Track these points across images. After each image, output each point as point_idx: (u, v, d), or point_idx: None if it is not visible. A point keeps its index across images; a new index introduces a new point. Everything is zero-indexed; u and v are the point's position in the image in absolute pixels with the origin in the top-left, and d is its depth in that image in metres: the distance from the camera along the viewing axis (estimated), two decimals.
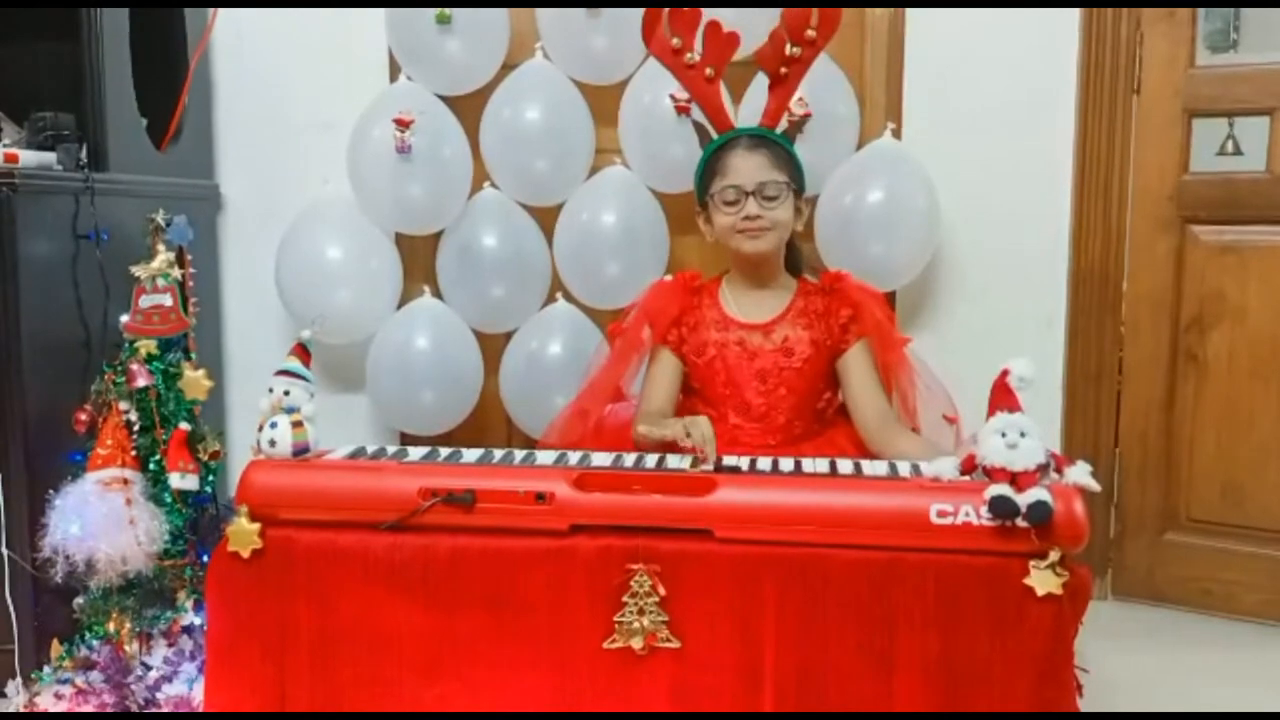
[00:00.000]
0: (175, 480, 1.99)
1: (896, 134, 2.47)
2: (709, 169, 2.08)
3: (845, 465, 1.73)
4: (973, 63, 2.48)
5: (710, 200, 2.06)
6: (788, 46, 2.06)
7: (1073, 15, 2.44)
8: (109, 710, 1.92)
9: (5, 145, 2.15)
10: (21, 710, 1.97)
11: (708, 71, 2.09)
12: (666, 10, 2.08)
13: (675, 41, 2.08)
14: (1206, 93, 2.41)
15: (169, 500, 2.00)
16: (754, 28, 2.14)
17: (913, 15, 2.52)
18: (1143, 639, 2.33)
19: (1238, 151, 2.45)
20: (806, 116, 2.11)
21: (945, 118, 2.51)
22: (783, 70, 2.08)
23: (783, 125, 2.12)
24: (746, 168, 2.02)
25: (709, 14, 2.08)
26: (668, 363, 2.12)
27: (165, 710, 1.93)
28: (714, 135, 2.10)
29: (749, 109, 2.30)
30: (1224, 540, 2.44)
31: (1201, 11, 2.42)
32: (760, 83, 2.32)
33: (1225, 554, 2.43)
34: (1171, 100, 2.42)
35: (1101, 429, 2.53)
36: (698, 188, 2.12)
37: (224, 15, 2.68)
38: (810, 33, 2.05)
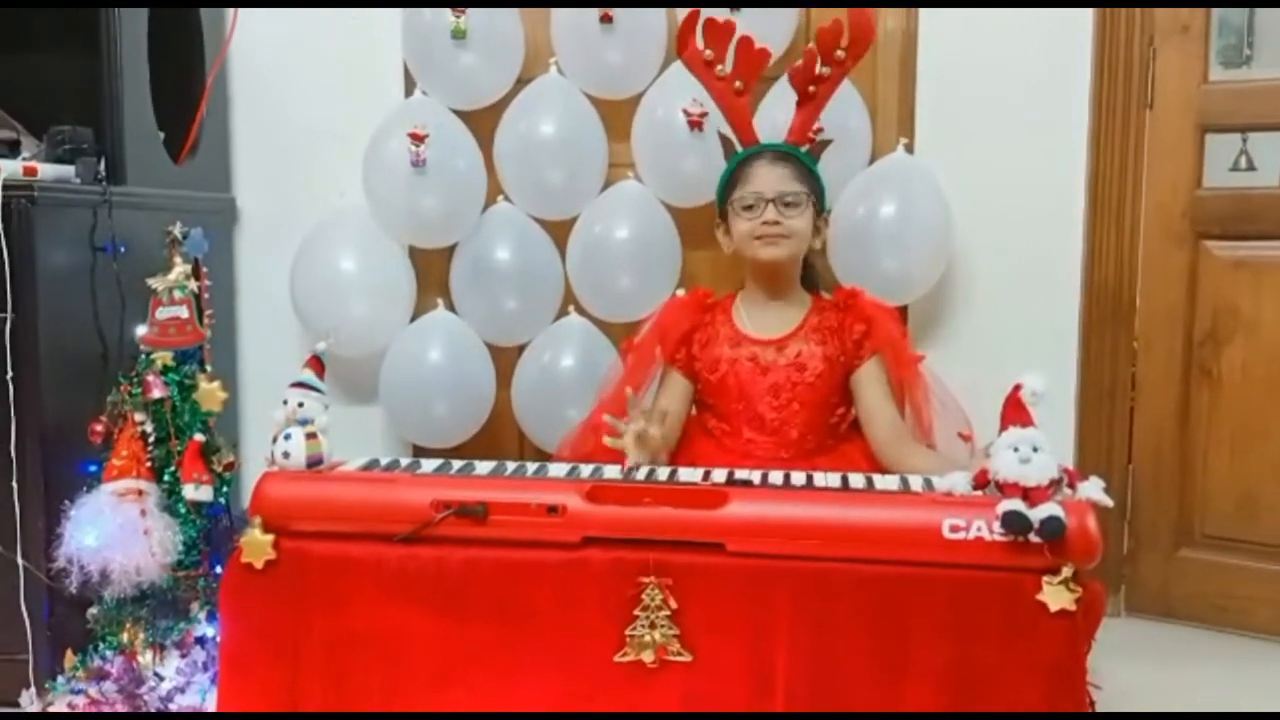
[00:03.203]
0: (189, 491, 2.00)
1: (909, 148, 2.48)
2: (731, 180, 2.09)
3: (857, 479, 1.73)
4: (985, 77, 2.48)
5: (730, 208, 2.07)
6: (818, 65, 2.07)
7: (1085, 30, 2.44)
8: None
9: (24, 158, 2.17)
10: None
11: (737, 84, 2.11)
12: (702, 20, 2.10)
13: (708, 52, 2.10)
14: (1220, 108, 2.41)
15: (183, 511, 2.01)
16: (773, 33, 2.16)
17: (925, 29, 2.53)
18: (1156, 655, 2.32)
19: (1251, 167, 2.45)
20: (828, 141, 2.13)
21: (957, 132, 2.50)
22: (810, 89, 2.09)
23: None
24: (769, 177, 2.04)
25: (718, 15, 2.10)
26: (674, 385, 2.14)
27: None
28: (738, 148, 2.11)
29: (757, 122, 2.31)
30: (1238, 556, 2.42)
31: (1215, 27, 2.41)
32: (775, 97, 2.34)
33: (1239, 570, 2.42)
34: (1184, 115, 2.42)
35: (1115, 444, 2.52)
36: (719, 198, 2.13)
37: (241, 30, 2.70)
38: (840, 53, 2.06)
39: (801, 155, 2.09)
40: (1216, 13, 2.41)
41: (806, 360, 2.06)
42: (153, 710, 1.94)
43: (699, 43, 2.11)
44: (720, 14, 2.31)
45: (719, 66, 2.11)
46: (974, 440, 1.98)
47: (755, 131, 2.13)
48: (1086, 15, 2.44)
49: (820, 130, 2.30)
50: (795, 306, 2.12)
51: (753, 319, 2.12)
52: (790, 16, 2.46)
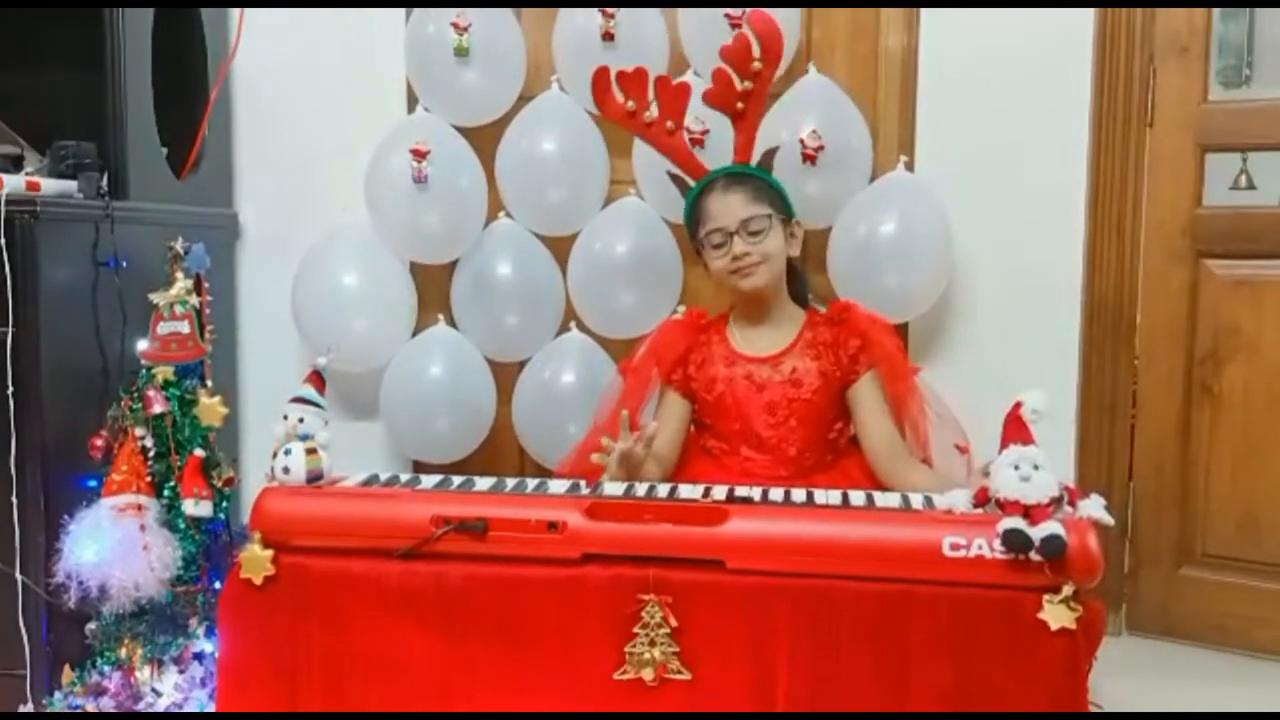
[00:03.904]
0: (189, 506, 2.00)
1: (909, 166, 2.48)
2: (694, 215, 2.11)
3: (858, 497, 1.73)
4: (985, 95, 2.49)
5: (701, 245, 2.09)
6: (737, 82, 2.07)
7: (1086, 49, 2.45)
8: None
9: (27, 173, 2.18)
10: None
11: (668, 124, 2.12)
12: (614, 75, 2.11)
13: (630, 104, 2.11)
14: (1219, 127, 2.41)
15: (183, 526, 2.01)
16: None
17: (925, 48, 2.53)
18: (1157, 674, 2.31)
19: (1251, 186, 2.45)
20: (775, 149, 2.13)
21: (958, 150, 2.51)
22: (740, 105, 2.09)
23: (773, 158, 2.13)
24: (726, 208, 2.04)
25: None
26: (673, 405, 2.14)
27: None
28: (691, 183, 2.12)
29: (762, 141, 2.31)
30: (1240, 575, 2.41)
31: (1215, 47, 2.42)
32: (778, 109, 2.34)
33: (1241, 589, 2.41)
34: (1184, 135, 2.43)
35: (1115, 462, 2.52)
36: (689, 234, 2.14)
37: (244, 45, 2.72)
38: (756, 64, 2.07)
39: (754, 171, 2.09)
40: (1216, 33, 2.42)
41: (802, 376, 2.06)
42: None
43: (618, 98, 2.12)
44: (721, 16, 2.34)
45: (645, 113, 2.11)
46: (970, 452, 1.99)
47: (701, 162, 2.14)
48: (1087, 34, 2.45)
49: (822, 148, 2.32)
50: (788, 323, 2.12)
51: (746, 337, 2.12)
52: (792, 28, 2.47)
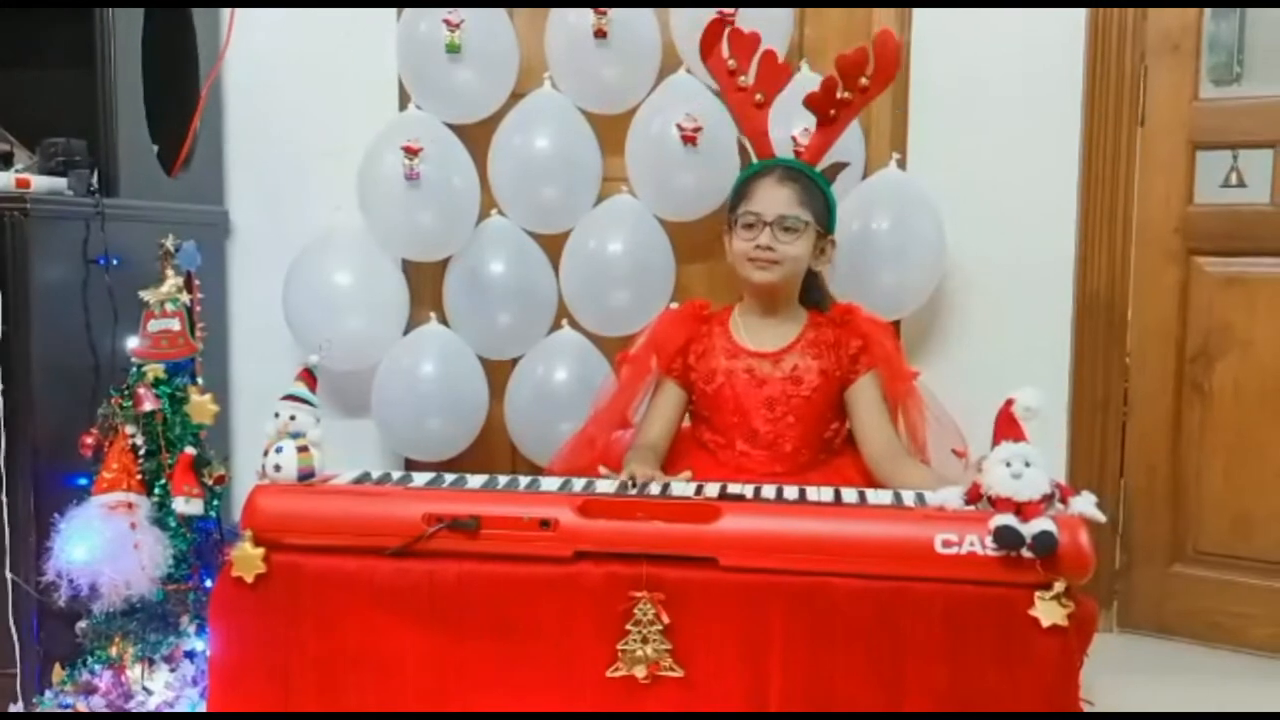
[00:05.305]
0: (180, 504, 1.99)
1: (902, 164, 2.48)
2: (741, 191, 2.10)
3: (850, 494, 1.73)
4: (977, 94, 2.49)
5: (733, 222, 2.08)
6: (839, 90, 2.08)
7: (1077, 48, 2.46)
8: None
9: (17, 170, 2.17)
10: None
11: (758, 97, 2.11)
12: (728, 30, 2.11)
13: (731, 63, 2.11)
14: (1210, 125, 2.42)
15: (173, 524, 1.99)
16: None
17: (918, 46, 2.54)
18: (1149, 672, 2.32)
19: (1242, 183, 2.46)
20: (844, 164, 2.12)
21: (950, 148, 2.52)
22: (832, 112, 2.09)
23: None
24: (772, 198, 2.03)
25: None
26: (669, 395, 2.14)
27: None
28: (754, 159, 2.11)
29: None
30: (1232, 573, 2.42)
31: (1205, 45, 2.43)
32: (776, 109, 2.34)
33: (1234, 586, 2.42)
34: (1176, 132, 2.44)
35: (1107, 459, 2.53)
36: (729, 206, 2.14)
37: (236, 42, 2.71)
38: (864, 80, 2.07)
39: (814, 174, 2.09)
40: (1207, 31, 2.43)
41: (803, 374, 2.06)
42: None
43: (723, 52, 2.12)
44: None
45: (741, 77, 2.12)
46: (968, 456, 1.99)
47: (772, 145, 2.13)
48: (1079, 33, 2.46)
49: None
50: (792, 321, 2.12)
51: (750, 332, 2.12)
52: (786, 26, 2.47)
